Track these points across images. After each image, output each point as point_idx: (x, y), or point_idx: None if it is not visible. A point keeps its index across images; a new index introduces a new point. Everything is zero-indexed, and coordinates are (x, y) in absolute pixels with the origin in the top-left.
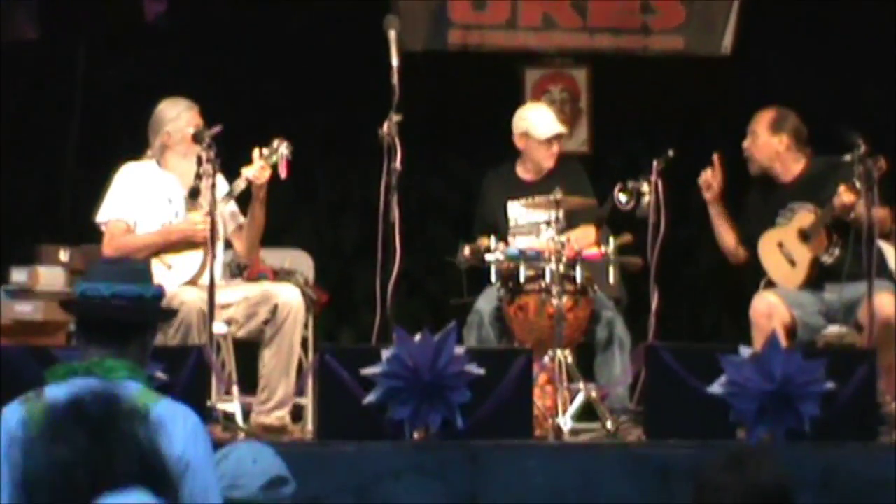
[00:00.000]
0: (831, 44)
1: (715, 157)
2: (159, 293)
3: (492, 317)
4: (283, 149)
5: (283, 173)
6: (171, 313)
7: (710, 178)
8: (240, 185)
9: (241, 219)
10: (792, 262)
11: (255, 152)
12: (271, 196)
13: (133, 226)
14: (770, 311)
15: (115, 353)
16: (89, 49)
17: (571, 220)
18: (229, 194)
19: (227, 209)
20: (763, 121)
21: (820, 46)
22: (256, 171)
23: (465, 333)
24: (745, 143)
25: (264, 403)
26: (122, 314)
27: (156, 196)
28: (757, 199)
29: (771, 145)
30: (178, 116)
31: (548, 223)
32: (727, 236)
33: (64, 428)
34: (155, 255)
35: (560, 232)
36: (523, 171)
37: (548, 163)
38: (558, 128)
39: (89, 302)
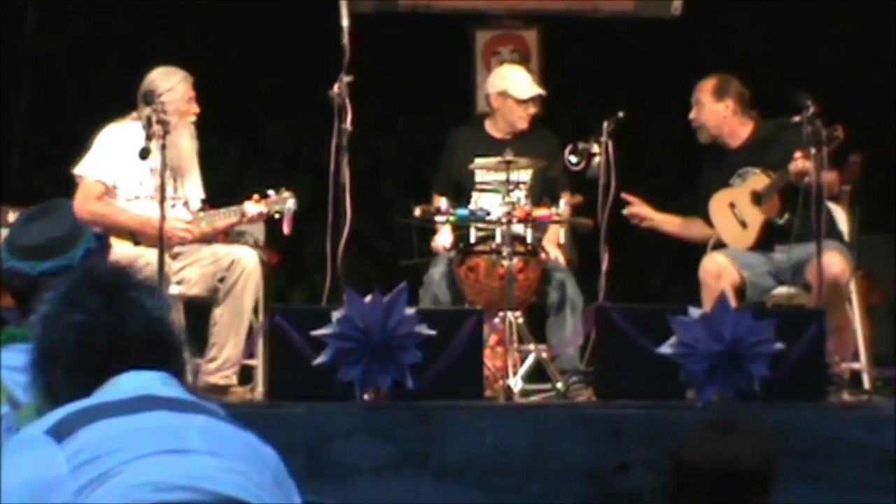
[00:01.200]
0: (782, 4)
1: (625, 196)
2: (88, 251)
3: (446, 278)
4: (290, 203)
5: (286, 229)
6: None
7: (636, 212)
8: (232, 213)
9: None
10: (743, 224)
11: (257, 196)
12: (221, 156)
13: (112, 187)
14: (719, 271)
15: None
16: (39, 9)
17: (544, 184)
18: (224, 222)
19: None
20: (706, 89)
21: (770, 8)
22: (255, 214)
23: (421, 294)
24: (692, 115)
25: (211, 362)
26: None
27: (139, 160)
28: (708, 169)
29: (717, 112)
30: (173, 88)
31: (513, 183)
32: (693, 231)
33: (78, 295)
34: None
35: (528, 193)
36: (494, 130)
37: (522, 124)
38: (537, 89)
39: (17, 277)
